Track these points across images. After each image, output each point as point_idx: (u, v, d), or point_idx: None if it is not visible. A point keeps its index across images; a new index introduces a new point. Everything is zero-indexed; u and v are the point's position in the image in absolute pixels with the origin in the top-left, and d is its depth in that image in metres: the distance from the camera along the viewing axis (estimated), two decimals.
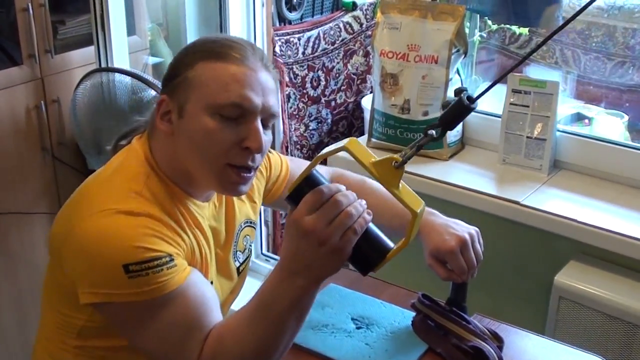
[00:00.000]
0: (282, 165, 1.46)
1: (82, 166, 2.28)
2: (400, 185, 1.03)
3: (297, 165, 1.47)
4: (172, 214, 1.15)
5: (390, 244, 1.07)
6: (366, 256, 1.06)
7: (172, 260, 1.09)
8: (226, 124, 1.10)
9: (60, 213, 1.17)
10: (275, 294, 1.05)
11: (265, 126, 1.15)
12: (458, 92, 0.96)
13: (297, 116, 2.70)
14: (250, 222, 1.37)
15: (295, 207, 1.03)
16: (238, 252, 1.34)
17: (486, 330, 1.37)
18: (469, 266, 1.32)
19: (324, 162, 2.57)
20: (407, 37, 2.19)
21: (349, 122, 2.93)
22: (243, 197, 1.34)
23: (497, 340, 1.36)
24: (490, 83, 0.99)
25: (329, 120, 2.85)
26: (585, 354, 1.38)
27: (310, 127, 2.77)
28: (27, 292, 2.20)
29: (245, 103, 1.10)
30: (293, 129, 2.70)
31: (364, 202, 1.03)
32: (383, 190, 1.10)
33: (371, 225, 1.05)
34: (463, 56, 2.20)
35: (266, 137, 1.15)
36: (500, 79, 1.03)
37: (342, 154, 1.05)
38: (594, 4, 1.90)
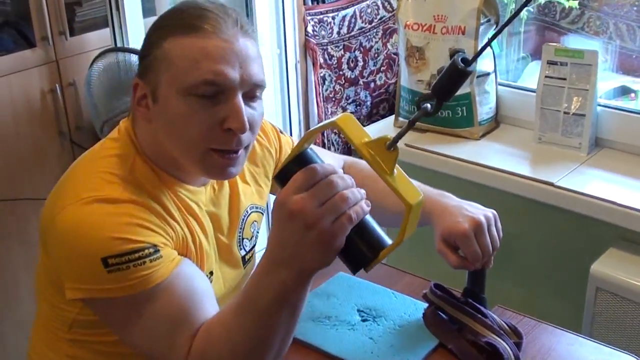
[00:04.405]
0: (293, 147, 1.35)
1: None
2: (395, 171, 0.90)
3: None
4: (160, 201, 1.08)
5: (387, 240, 0.93)
6: (357, 252, 0.92)
7: (157, 251, 1.02)
8: (202, 104, 1.02)
9: (49, 197, 1.10)
10: (260, 287, 0.94)
11: (251, 99, 1.06)
12: (453, 53, 0.85)
13: (333, 99, 2.62)
14: (257, 208, 1.29)
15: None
16: (245, 240, 1.26)
17: (505, 325, 1.26)
18: (484, 252, 1.21)
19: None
20: (433, 8, 2.08)
21: (390, 104, 2.83)
22: (248, 179, 1.27)
23: (516, 336, 1.25)
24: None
25: (368, 103, 2.76)
26: (617, 352, 1.26)
27: (348, 110, 2.68)
28: None
29: (219, 79, 1.01)
30: (329, 112, 2.61)
31: (363, 191, 0.91)
32: None
33: (369, 217, 0.93)
34: (494, 26, 2.08)
35: (254, 111, 1.06)
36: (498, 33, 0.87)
37: None
38: None
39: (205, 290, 1.08)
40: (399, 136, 0.88)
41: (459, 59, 0.85)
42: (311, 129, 0.99)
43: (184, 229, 1.11)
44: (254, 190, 1.28)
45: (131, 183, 1.06)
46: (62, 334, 1.14)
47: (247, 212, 1.25)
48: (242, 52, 1.03)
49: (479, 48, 0.90)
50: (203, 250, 1.15)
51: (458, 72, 0.84)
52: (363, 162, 1.31)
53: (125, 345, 1.10)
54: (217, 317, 1.03)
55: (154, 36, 1.06)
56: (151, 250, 1.01)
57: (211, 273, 1.18)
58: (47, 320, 1.17)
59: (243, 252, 1.26)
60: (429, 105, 0.88)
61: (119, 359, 1.15)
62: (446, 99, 0.87)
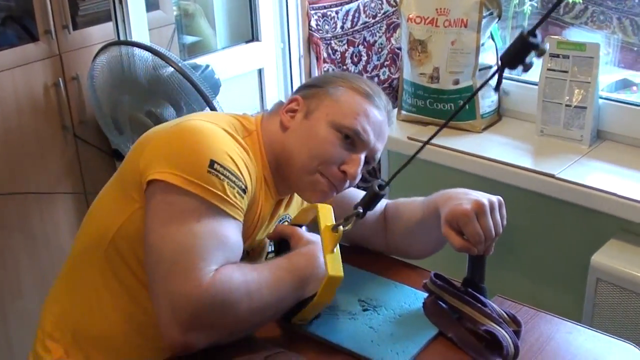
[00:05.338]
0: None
1: (105, 145, 2.24)
2: (335, 250, 1.17)
3: (347, 193, 1.46)
4: (253, 171, 1.23)
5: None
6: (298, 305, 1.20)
7: (244, 192, 1.16)
8: (339, 142, 1.25)
9: (155, 127, 1.26)
10: (309, 260, 1.17)
11: (364, 164, 1.29)
12: (377, 185, 1.12)
13: None
14: (290, 219, 1.40)
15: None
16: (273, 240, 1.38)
17: (504, 314, 1.26)
18: (486, 235, 1.22)
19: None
20: (436, 1, 2.07)
21: (394, 99, 2.82)
22: (293, 200, 1.41)
23: (515, 325, 1.25)
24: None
25: None
26: (617, 341, 1.25)
27: None
28: (50, 274, 2.17)
29: (363, 135, 1.26)
30: None
31: None
32: (417, 199, 1.40)
33: None
34: (497, 19, 2.07)
35: (360, 173, 1.28)
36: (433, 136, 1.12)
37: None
38: None
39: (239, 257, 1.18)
40: (337, 225, 1.16)
41: (376, 185, 1.12)
42: (304, 208, 1.36)
43: (253, 205, 1.24)
44: (294, 207, 1.43)
45: (243, 146, 1.22)
46: (99, 255, 1.20)
47: (282, 218, 1.40)
48: (382, 130, 1.30)
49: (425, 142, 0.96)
50: (252, 232, 1.28)
51: (375, 194, 1.12)
52: (400, 201, 1.52)
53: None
54: (250, 265, 1.15)
55: (334, 80, 1.32)
56: (243, 187, 1.16)
57: (248, 253, 1.29)
58: (86, 245, 1.24)
59: (269, 249, 1.38)
60: (361, 209, 1.13)
61: (144, 303, 1.19)
62: (370, 209, 1.14)
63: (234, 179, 1.13)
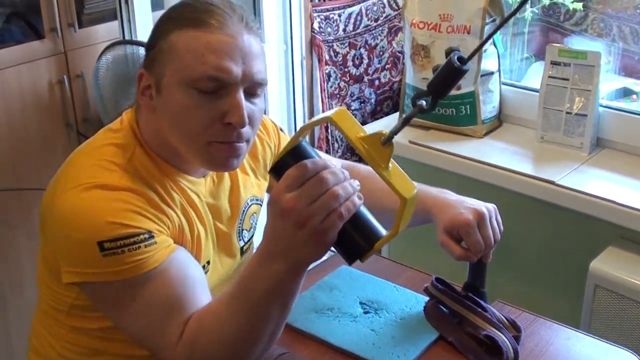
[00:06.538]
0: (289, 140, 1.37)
1: None
2: (390, 165, 0.90)
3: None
4: (157, 191, 1.09)
5: (382, 231, 0.93)
6: (353, 243, 0.92)
7: (151, 237, 1.03)
8: (204, 98, 1.03)
9: (49, 184, 1.11)
10: (254, 278, 0.95)
11: (252, 95, 1.06)
12: (448, 52, 0.84)
13: (337, 95, 2.61)
14: (257, 200, 1.30)
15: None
16: (244, 231, 1.26)
17: (504, 319, 1.28)
18: (486, 244, 1.22)
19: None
20: (439, 6, 2.08)
21: (394, 102, 2.83)
22: (248, 172, 1.27)
23: (515, 330, 1.26)
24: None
25: (373, 100, 2.75)
26: (615, 348, 1.27)
27: (352, 107, 2.68)
28: None
29: (222, 75, 1.02)
30: (334, 109, 2.60)
31: (356, 183, 0.91)
32: None
33: (363, 209, 0.92)
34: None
35: (254, 106, 1.07)
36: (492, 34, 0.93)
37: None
38: None
39: (199, 279, 1.08)
40: (395, 132, 0.88)
41: (455, 57, 0.84)
42: (306, 123, 1.01)
43: (181, 218, 1.11)
44: (254, 183, 1.28)
45: (129, 172, 1.06)
46: (62, 319, 1.15)
47: (247, 204, 1.26)
48: (245, 48, 1.04)
49: (477, 45, 0.92)
50: (200, 240, 1.15)
51: (454, 70, 0.84)
52: (360, 165, 1.35)
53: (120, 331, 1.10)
54: (209, 307, 1.03)
55: (161, 28, 1.07)
56: (146, 236, 1.02)
57: (208, 263, 1.18)
58: (47, 306, 1.18)
59: (242, 243, 1.26)
60: (424, 102, 0.87)
61: (117, 345, 1.15)
62: (442, 96, 0.86)
63: (132, 240, 1.00)
